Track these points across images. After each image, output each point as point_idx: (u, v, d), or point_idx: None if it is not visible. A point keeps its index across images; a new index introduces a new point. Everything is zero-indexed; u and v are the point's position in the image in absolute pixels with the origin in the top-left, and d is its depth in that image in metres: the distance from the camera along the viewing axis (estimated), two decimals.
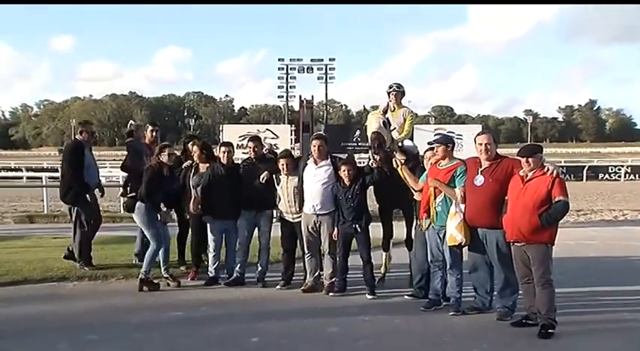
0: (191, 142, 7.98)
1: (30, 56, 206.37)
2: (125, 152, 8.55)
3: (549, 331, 5.26)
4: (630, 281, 7.37)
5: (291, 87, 54.07)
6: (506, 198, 5.60)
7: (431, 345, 5.20)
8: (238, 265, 7.31)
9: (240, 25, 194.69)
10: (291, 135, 36.91)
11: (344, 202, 6.70)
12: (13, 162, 49.42)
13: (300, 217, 7.00)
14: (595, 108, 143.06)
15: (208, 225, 7.40)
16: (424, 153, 6.69)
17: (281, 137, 35.30)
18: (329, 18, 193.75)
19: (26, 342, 5.21)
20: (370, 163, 6.74)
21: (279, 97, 57.41)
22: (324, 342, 5.25)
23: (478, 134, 5.94)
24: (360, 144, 24.86)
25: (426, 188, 6.21)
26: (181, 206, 7.61)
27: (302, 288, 6.98)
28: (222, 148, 7.42)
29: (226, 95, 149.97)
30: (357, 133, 30.36)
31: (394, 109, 7.32)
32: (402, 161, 6.61)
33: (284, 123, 50.73)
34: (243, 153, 8.79)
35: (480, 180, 5.77)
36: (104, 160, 52.89)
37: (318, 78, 54.41)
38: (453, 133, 27.70)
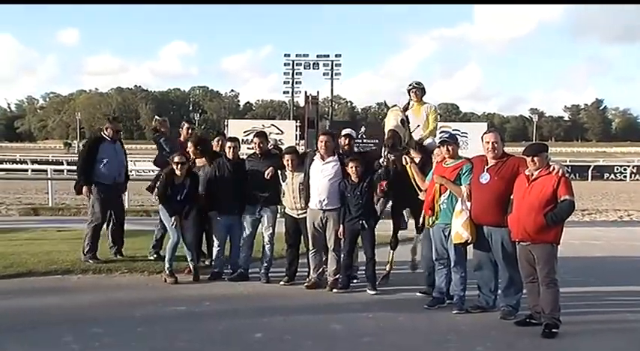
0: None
1: (36, 49, 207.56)
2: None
3: (553, 330, 5.25)
4: (635, 282, 7.34)
5: (296, 83, 54.18)
6: (511, 197, 5.58)
7: (434, 343, 5.19)
8: (242, 261, 7.32)
9: (245, 21, 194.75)
10: (297, 131, 36.92)
11: (352, 199, 6.69)
12: (19, 154, 49.55)
13: (304, 213, 6.99)
14: (601, 107, 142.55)
15: (212, 220, 7.41)
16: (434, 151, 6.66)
17: (286, 133, 35.26)
18: (333, 15, 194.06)
19: (31, 335, 5.23)
20: (382, 161, 6.73)
21: (284, 92, 57.55)
22: (327, 338, 5.25)
23: (485, 132, 5.94)
24: (365, 140, 24.78)
25: (431, 185, 6.19)
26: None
27: (305, 284, 6.98)
28: (229, 143, 7.43)
29: (232, 90, 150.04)
30: (363, 129, 30.32)
31: (414, 106, 7.31)
32: (412, 159, 6.60)
33: (289, 119, 50.78)
34: (248, 148, 8.81)
35: (485, 178, 5.76)
36: None
37: (324, 74, 54.48)
38: (459, 131, 27.56)
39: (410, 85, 7.43)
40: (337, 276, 6.88)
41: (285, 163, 7.02)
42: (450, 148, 6.13)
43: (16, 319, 5.59)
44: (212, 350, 5.04)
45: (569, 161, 40.84)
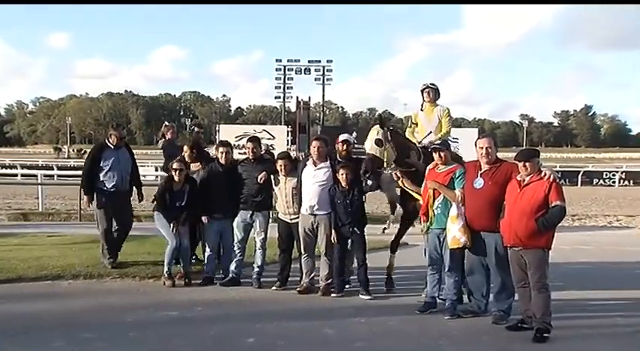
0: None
1: (26, 53, 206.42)
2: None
3: (544, 335, 5.28)
4: (624, 286, 7.40)
5: (288, 88, 54.11)
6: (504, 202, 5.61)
7: (427, 348, 5.22)
8: (234, 266, 7.32)
9: (236, 26, 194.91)
10: (288, 136, 36.92)
11: (342, 205, 6.70)
12: (8, 159, 49.19)
13: (297, 218, 7.00)
14: (590, 113, 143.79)
15: (205, 225, 7.41)
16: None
17: (277, 138, 35.25)
18: (324, 20, 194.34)
19: (23, 340, 5.21)
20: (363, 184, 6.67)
21: (276, 97, 57.46)
22: (320, 343, 5.26)
23: (479, 137, 5.96)
24: (356, 146, 24.80)
25: (425, 191, 6.19)
26: None
27: (298, 289, 6.97)
28: (221, 148, 7.44)
29: (223, 95, 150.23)
30: (354, 134, 30.33)
31: (426, 107, 7.15)
32: (400, 175, 6.51)
33: (281, 124, 50.77)
34: (239, 153, 8.83)
35: (479, 183, 5.79)
36: None
37: (316, 79, 54.48)
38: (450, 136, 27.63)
39: (424, 85, 7.19)
40: (329, 281, 6.88)
41: (279, 167, 7.02)
42: (442, 154, 6.13)
43: (8, 324, 5.55)
44: None
45: (559, 167, 41.09)
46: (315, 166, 6.89)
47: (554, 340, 5.26)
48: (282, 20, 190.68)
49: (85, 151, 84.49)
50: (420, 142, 7.06)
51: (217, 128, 38.91)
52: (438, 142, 6.40)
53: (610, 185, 35.58)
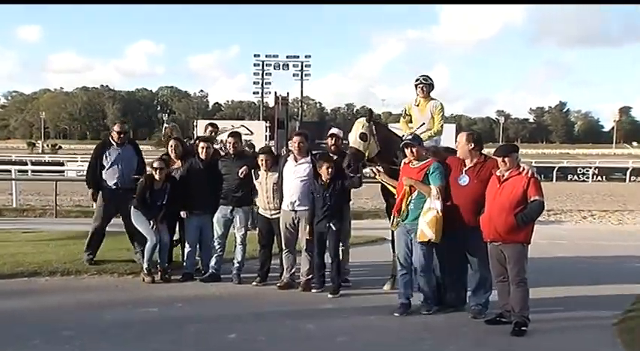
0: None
1: None
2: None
3: (522, 328, 5.35)
4: (599, 280, 7.51)
5: (266, 83, 53.98)
6: None
7: (408, 342, 5.24)
8: (214, 261, 7.28)
9: (212, 21, 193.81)
10: (266, 131, 36.81)
11: (320, 200, 6.64)
12: None
13: (278, 213, 6.98)
14: (564, 110, 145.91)
15: (184, 220, 7.36)
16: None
17: (256, 133, 35.12)
18: (299, 16, 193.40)
19: None
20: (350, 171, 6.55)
21: (254, 93, 57.31)
22: (302, 339, 5.26)
23: (460, 133, 5.99)
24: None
25: (400, 187, 6.07)
26: None
27: (278, 284, 6.96)
28: (202, 144, 7.38)
29: (201, 90, 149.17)
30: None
31: (420, 102, 6.95)
32: (379, 170, 6.47)
33: (259, 119, 50.59)
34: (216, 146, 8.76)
35: (464, 180, 5.79)
36: (75, 154, 52.16)
37: (294, 75, 54.39)
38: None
39: (417, 80, 6.93)
40: (310, 276, 6.88)
41: (260, 162, 6.98)
42: (413, 149, 5.98)
43: None
44: None
45: (535, 162, 41.61)
46: (296, 161, 6.88)
47: (532, 334, 5.34)
48: (260, 15, 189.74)
49: (60, 147, 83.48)
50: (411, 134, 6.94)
51: (195, 123, 38.57)
52: (409, 137, 6.20)
53: (584, 181, 36.23)
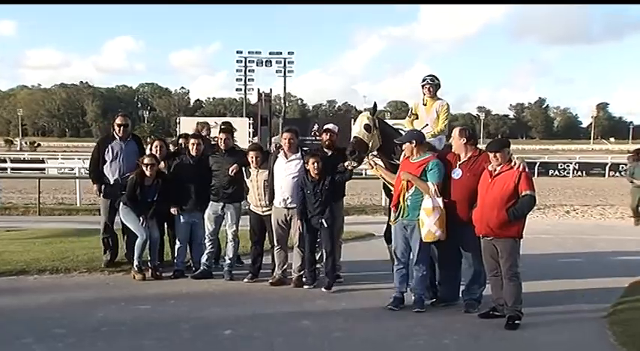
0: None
1: None
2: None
3: (516, 322, 5.41)
4: (587, 274, 7.62)
5: (249, 80, 53.81)
6: None
7: (403, 337, 5.27)
8: (205, 258, 7.25)
9: (192, 17, 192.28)
10: (249, 128, 36.64)
11: (311, 196, 6.65)
12: None
13: (269, 210, 6.97)
14: (544, 106, 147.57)
15: (175, 217, 7.30)
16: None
17: (239, 130, 34.80)
18: (281, 13, 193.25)
19: None
20: (346, 165, 6.60)
21: (237, 89, 57.08)
22: (298, 334, 5.26)
23: (454, 128, 6.05)
24: (317, 138, 24.77)
25: (397, 182, 6.10)
26: None
27: (270, 281, 6.95)
28: (192, 140, 7.32)
29: (182, 87, 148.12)
30: (315, 127, 30.28)
31: (426, 102, 6.92)
32: (375, 163, 6.54)
33: (241, 116, 50.35)
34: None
35: (457, 173, 5.84)
36: (55, 151, 51.51)
37: (277, 71, 54.29)
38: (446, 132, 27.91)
39: (423, 80, 6.90)
40: (301, 272, 6.88)
41: (250, 159, 6.96)
42: (404, 147, 6.05)
43: None
44: (182, 347, 4.97)
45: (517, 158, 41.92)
46: (287, 158, 6.86)
47: (525, 327, 5.40)
48: (241, 12, 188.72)
49: (39, 144, 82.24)
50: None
51: (178, 121, 38.35)
52: (402, 135, 6.29)
53: (564, 176, 36.64)
